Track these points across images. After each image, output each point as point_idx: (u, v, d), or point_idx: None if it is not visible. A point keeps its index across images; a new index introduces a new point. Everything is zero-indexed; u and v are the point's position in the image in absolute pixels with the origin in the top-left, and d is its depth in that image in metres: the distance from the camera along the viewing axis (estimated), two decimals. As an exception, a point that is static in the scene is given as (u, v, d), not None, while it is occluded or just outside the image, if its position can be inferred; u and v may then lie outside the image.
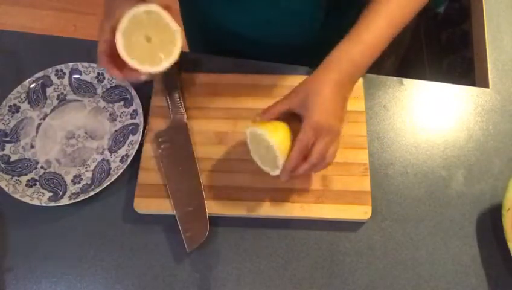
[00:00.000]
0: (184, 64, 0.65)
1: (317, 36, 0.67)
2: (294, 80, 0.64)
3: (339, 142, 0.53)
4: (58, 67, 0.65)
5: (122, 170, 0.58)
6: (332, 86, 0.51)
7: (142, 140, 0.60)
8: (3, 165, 0.59)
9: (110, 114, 0.64)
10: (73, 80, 0.65)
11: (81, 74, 0.65)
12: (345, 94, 0.53)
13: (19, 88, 0.63)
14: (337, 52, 0.53)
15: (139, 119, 0.61)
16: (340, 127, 0.52)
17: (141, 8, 0.50)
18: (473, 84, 0.68)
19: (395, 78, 0.67)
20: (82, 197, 0.56)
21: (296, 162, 0.51)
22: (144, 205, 0.57)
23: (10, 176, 0.58)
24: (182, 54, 0.52)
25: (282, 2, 0.62)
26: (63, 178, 0.60)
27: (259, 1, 0.62)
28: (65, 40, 0.72)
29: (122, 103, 0.64)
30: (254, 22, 0.66)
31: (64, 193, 0.58)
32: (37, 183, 0.59)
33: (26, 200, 0.56)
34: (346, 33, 0.54)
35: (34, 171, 0.60)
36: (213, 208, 0.56)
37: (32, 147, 0.62)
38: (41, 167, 0.61)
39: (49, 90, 0.65)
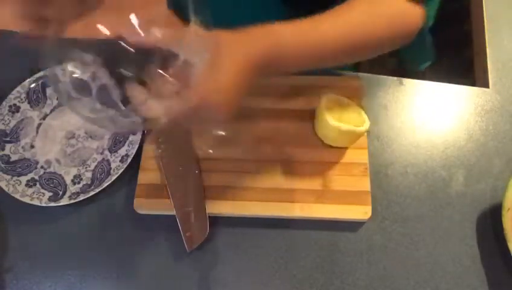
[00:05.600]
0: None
1: None
2: (290, 80, 0.64)
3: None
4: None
5: (122, 170, 0.58)
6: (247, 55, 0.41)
7: (142, 140, 0.60)
8: (3, 165, 0.59)
9: (110, 114, 0.64)
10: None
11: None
12: (252, 77, 0.42)
13: (19, 88, 0.63)
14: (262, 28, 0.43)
15: (139, 119, 0.61)
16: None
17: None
18: (473, 84, 0.68)
19: (395, 78, 0.66)
20: (82, 197, 0.56)
21: None
22: (144, 205, 0.57)
23: (10, 176, 0.58)
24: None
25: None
26: (63, 178, 0.60)
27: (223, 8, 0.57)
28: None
29: (122, 103, 0.64)
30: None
31: (64, 193, 0.58)
32: (37, 183, 0.59)
33: (26, 200, 0.56)
34: None
35: (34, 171, 0.60)
36: (213, 208, 0.56)
37: (32, 147, 0.62)
38: (41, 167, 0.61)
39: (49, 90, 0.65)
